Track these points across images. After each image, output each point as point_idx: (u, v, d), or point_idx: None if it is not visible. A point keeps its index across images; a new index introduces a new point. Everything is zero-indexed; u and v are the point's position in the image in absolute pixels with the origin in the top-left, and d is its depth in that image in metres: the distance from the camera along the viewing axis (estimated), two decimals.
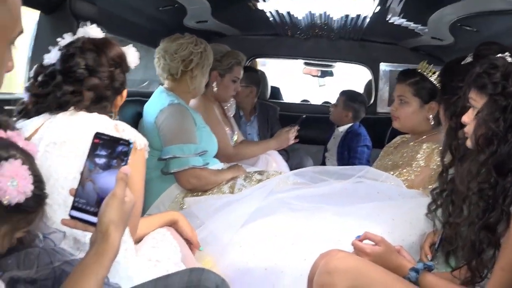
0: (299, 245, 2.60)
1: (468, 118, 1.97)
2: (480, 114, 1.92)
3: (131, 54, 2.20)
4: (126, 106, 3.53)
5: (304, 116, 4.21)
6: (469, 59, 2.15)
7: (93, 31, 2.13)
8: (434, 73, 3.10)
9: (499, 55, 1.92)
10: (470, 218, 1.92)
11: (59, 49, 2.10)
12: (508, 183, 1.80)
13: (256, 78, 5.16)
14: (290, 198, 2.90)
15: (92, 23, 2.17)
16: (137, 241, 2.23)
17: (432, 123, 3.15)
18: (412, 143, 3.17)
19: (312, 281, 2.04)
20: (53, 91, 2.03)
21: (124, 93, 2.23)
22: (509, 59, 1.90)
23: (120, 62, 2.14)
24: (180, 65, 3.40)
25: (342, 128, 4.88)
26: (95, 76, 2.05)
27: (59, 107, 2.02)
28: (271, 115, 5.27)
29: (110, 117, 2.13)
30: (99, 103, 2.08)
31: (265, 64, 8.56)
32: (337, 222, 2.70)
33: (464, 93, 2.01)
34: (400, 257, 2.13)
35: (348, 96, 4.90)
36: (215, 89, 3.90)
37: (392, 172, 3.03)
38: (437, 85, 3.04)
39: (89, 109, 2.04)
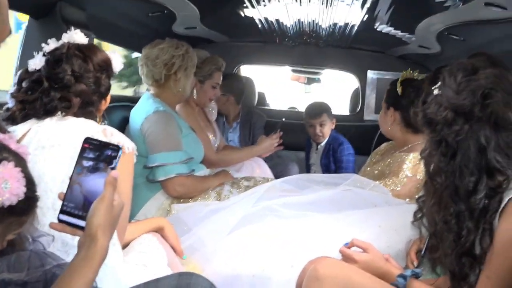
0: (286, 252, 2.61)
1: None
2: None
3: (116, 59, 2.21)
4: (113, 111, 3.55)
5: (283, 119, 4.20)
6: None
7: (77, 36, 2.13)
8: (400, 82, 3.14)
9: (433, 87, 1.94)
10: (444, 249, 1.93)
11: (44, 55, 2.10)
12: (474, 204, 1.80)
13: (234, 86, 5.12)
14: (278, 205, 2.89)
15: (81, 28, 2.18)
16: (124, 246, 2.23)
17: (390, 129, 3.20)
18: (398, 152, 3.18)
19: (300, 287, 2.05)
20: (40, 97, 2.03)
21: (108, 97, 2.24)
22: (435, 92, 1.91)
23: (106, 67, 2.15)
24: (163, 69, 3.39)
25: (324, 142, 4.86)
26: (82, 82, 2.06)
27: (47, 113, 2.02)
28: (254, 122, 5.21)
29: (96, 121, 2.14)
30: (85, 108, 2.08)
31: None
32: (324, 229, 2.71)
33: None
34: (388, 264, 2.14)
35: (326, 110, 4.84)
36: (195, 95, 3.89)
37: (379, 181, 3.04)
38: (398, 91, 3.10)
39: (75, 114, 2.05)
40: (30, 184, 1.44)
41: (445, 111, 1.84)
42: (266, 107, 6.52)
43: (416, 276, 2.02)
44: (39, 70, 2.07)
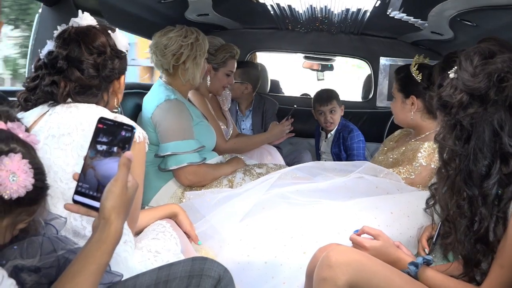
0: (298, 239, 2.61)
1: None
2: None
3: (119, 39, 2.15)
4: (126, 98, 3.55)
5: (294, 106, 4.18)
6: None
7: (83, 20, 2.10)
8: (415, 65, 3.12)
9: (449, 72, 1.93)
10: (458, 235, 1.93)
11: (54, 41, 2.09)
12: (487, 189, 1.80)
13: (253, 74, 5.09)
14: (290, 192, 2.89)
15: (94, 15, 2.15)
16: (138, 233, 2.25)
17: (412, 118, 3.17)
18: (413, 141, 3.17)
19: (311, 274, 2.05)
20: (39, 83, 2.03)
21: (122, 79, 2.21)
22: (451, 75, 1.91)
23: (104, 49, 2.09)
24: (171, 60, 3.36)
25: (333, 130, 4.83)
26: (76, 67, 2.03)
27: (48, 98, 2.02)
28: (267, 109, 5.19)
29: (114, 107, 2.13)
30: (86, 92, 2.06)
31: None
32: (336, 216, 2.71)
33: None
34: (398, 250, 2.14)
35: (336, 97, 4.80)
36: (208, 83, 3.88)
37: (393, 169, 3.03)
38: (417, 78, 3.07)
39: (77, 99, 2.03)
40: (40, 174, 1.43)
41: (460, 94, 1.84)
42: (279, 94, 6.50)
43: (427, 263, 2.02)
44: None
